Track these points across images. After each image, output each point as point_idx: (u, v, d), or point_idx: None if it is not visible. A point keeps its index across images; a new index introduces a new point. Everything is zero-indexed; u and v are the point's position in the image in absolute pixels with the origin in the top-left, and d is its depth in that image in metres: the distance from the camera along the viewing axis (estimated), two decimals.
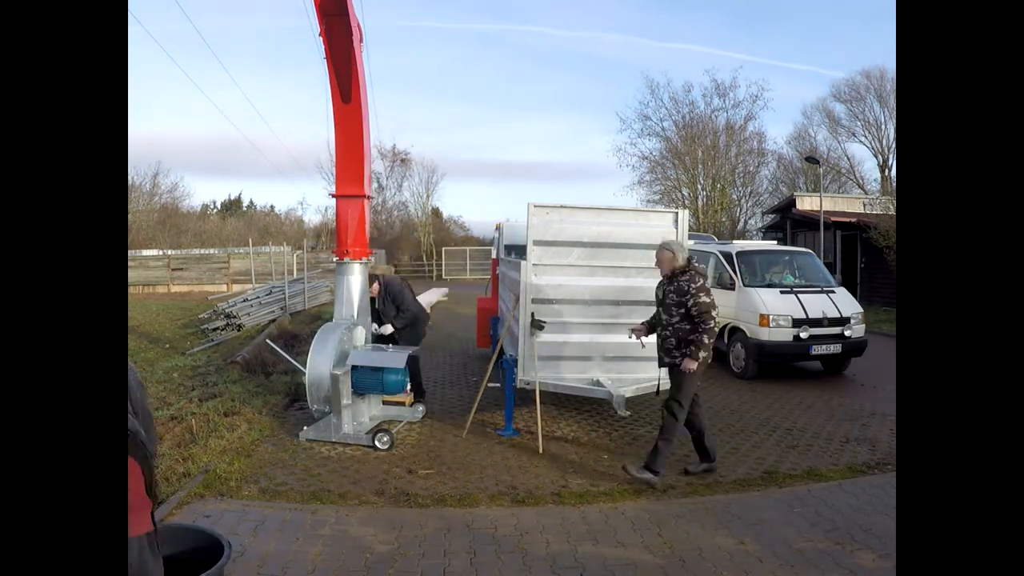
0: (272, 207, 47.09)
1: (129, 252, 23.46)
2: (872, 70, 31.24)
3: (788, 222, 21.87)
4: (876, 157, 31.78)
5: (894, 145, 29.56)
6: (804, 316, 8.15)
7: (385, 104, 63.83)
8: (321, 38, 5.78)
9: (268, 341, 8.19)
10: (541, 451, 5.31)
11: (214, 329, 11.85)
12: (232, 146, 67.69)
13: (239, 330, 12.04)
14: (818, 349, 8.19)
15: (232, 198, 48.03)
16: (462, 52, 69.15)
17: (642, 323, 5.06)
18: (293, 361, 6.46)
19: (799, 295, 8.41)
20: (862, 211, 20.39)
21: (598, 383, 5.51)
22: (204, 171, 70.12)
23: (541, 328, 5.45)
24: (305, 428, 5.54)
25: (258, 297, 13.79)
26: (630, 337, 5.10)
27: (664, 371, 4.90)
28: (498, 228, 10.00)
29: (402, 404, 6.27)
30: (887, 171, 30.68)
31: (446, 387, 7.80)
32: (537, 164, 64.70)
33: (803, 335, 8.10)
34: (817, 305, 8.31)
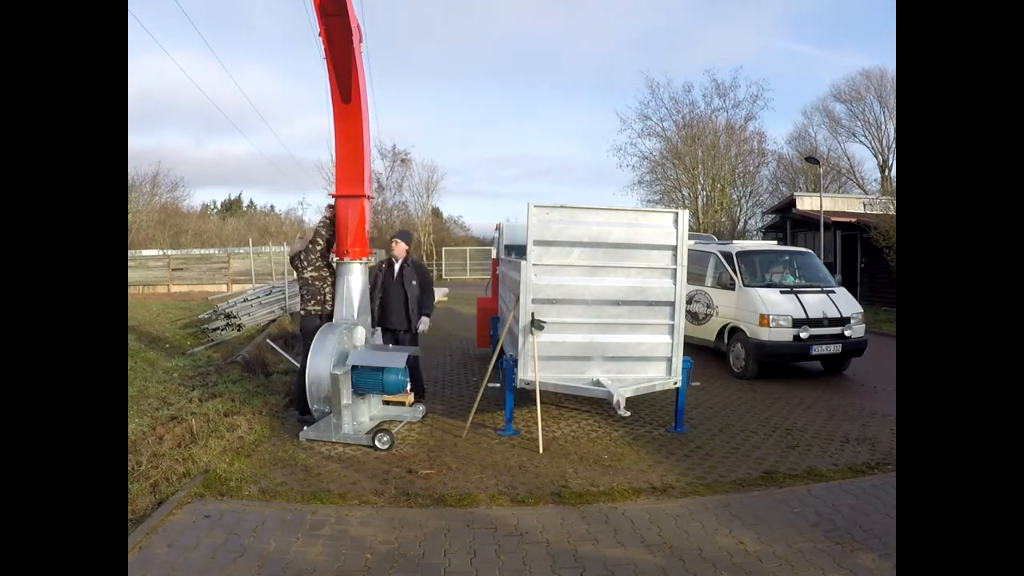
0: (272, 207, 47.28)
1: (129, 252, 23.46)
2: (872, 70, 31.34)
3: (788, 222, 21.88)
4: (876, 157, 31.87)
5: (894, 145, 29.55)
6: (804, 316, 8.15)
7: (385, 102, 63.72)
8: (321, 38, 5.78)
9: (268, 341, 8.19)
10: (541, 451, 5.31)
11: (214, 329, 11.84)
12: (231, 147, 67.54)
13: (239, 330, 12.04)
14: (818, 349, 8.19)
15: (232, 198, 48.18)
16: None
17: None
18: (293, 361, 6.46)
19: (799, 295, 8.41)
20: (862, 211, 20.40)
21: (598, 383, 5.51)
22: (203, 177, 70.07)
23: (541, 328, 5.45)
24: (305, 428, 5.54)
25: (258, 297, 13.77)
26: None
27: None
28: (498, 228, 10.01)
29: (402, 404, 6.27)
30: (887, 171, 30.73)
31: (446, 387, 7.81)
32: (537, 163, 64.61)
33: (803, 335, 8.10)
34: (817, 305, 8.31)
